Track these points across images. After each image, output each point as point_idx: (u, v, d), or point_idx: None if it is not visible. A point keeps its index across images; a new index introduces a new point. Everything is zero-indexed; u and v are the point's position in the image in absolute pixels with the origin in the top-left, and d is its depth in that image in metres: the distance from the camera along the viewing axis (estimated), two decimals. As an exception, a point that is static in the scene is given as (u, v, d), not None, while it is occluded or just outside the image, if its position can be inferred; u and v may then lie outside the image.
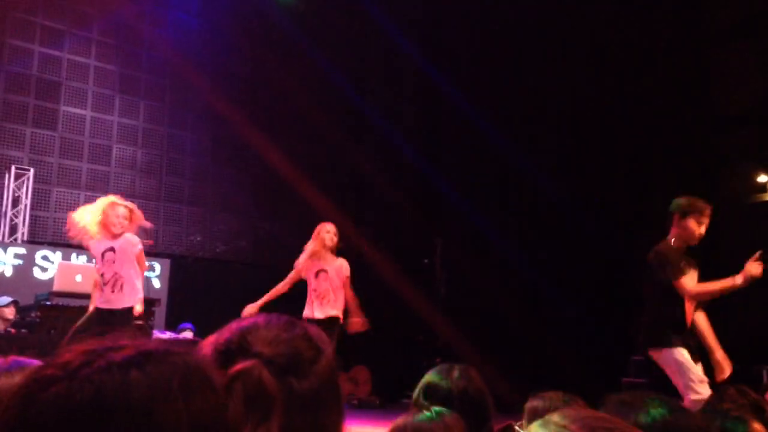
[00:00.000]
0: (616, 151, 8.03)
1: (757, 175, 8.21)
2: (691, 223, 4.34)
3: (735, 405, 2.02)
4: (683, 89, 7.75)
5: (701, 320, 4.33)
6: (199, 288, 9.22)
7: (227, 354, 0.89)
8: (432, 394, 2.19)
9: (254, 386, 0.84)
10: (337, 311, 5.46)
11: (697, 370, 4.04)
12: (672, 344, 4.12)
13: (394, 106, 10.45)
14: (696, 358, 4.13)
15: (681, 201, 4.38)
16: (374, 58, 10.97)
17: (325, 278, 5.53)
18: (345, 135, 10.30)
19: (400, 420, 1.84)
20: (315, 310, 5.45)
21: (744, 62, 7.66)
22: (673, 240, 4.40)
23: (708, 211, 4.40)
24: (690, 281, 4.23)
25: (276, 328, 0.93)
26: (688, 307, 4.24)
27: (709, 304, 6.84)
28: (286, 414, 0.84)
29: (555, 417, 0.97)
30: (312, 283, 5.56)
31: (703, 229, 4.38)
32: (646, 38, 7.98)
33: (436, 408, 1.87)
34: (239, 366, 0.86)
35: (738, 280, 4.14)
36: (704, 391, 3.95)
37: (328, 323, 5.30)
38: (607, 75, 8.04)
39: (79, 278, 6.26)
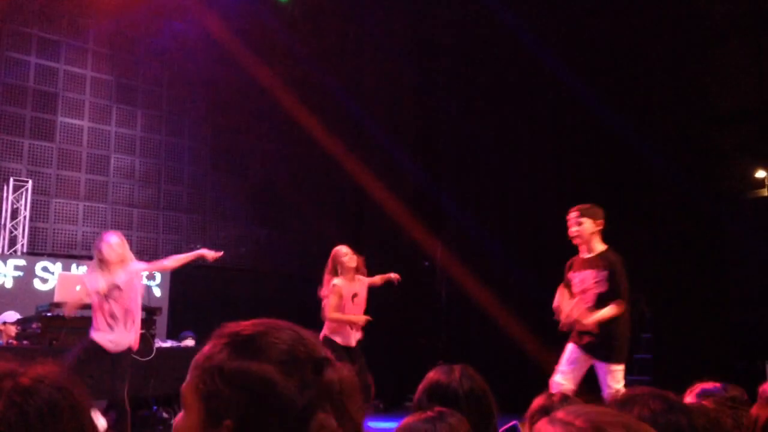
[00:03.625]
0: (613, 151, 8.04)
1: (755, 170, 8.22)
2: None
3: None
4: (680, 86, 7.76)
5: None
6: (200, 296, 9.21)
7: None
8: (437, 395, 2.19)
9: (209, 390, 0.92)
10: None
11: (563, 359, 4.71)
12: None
13: (393, 113, 10.45)
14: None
15: None
16: (373, 67, 10.98)
17: (358, 302, 5.54)
18: (343, 142, 10.30)
19: (405, 423, 1.84)
20: (350, 336, 5.42)
21: (740, 58, 7.68)
22: None
23: (567, 215, 4.94)
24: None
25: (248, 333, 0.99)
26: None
27: (714, 301, 6.84)
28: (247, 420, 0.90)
29: (560, 413, 0.98)
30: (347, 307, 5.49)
31: (572, 229, 4.92)
32: (641, 36, 8.00)
33: (440, 409, 1.86)
34: (197, 371, 0.96)
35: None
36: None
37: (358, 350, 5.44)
38: (602, 76, 8.05)
39: (79, 288, 6.26)
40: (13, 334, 6.35)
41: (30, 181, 8.92)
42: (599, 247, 4.93)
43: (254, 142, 10.69)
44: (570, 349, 4.73)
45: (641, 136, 7.62)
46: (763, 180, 8.10)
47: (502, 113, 9.09)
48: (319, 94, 10.43)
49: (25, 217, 8.84)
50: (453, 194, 9.21)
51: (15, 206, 8.82)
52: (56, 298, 6.15)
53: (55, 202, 9.27)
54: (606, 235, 7.98)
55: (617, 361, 4.63)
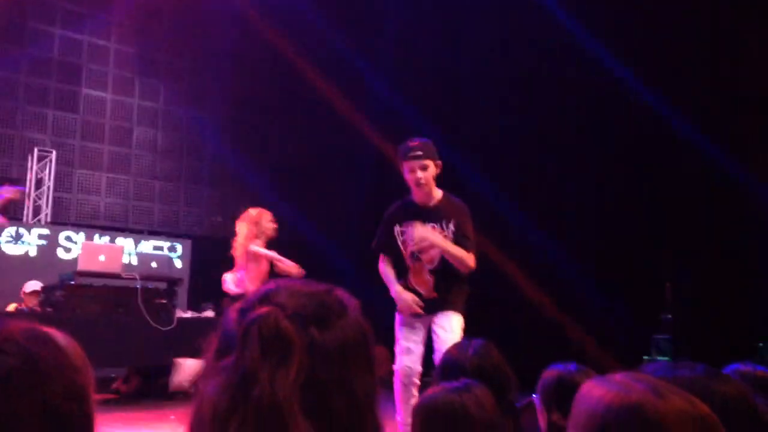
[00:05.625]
0: (641, 128, 7.91)
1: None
2: (404, 172, 3.83)
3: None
4: (710, 69, 7.59)
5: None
6: (220, 268, 9.27)
7: (250, 309, 0.88)
8: (448, 371, 2.20)
9: (271, 330, 0.82)
10: None
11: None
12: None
13: (417, 86, 10.35)
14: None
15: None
16: (397, 40, 10.86)
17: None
18: (364, 117, 10.25)
19: (429, 394, 1.83)
20: None
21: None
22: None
23: (408, 153, 3.76)
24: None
25: (299, 284, 0.92)
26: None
27: (735, 282, 6.76)
28: (308, 363, 0.82)
29: (618, 377, 0.99)
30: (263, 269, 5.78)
31: (418, 174, 3.75)
32: (668, 20, 7.80)
33: (466, 380, 1.86)
34: (256, 311, 0.84)
35: None
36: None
37: None
38: (627, 55, 7.87)
39: (102, 258, 6.34)
40: (34, 302, 6.46)
41: (54, 152, 9.02)
42: (438, 193, 3.91)
43: (277, 116, 10.69)
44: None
45: (675, 114, 7.47)
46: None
47: (529, 85, 8.94)
48: (343, 68, 10.37)
49: (48, 187, 8.95)
50: (475, 167, 9.11)
51: (39, 176, 8.93)
52: (80, 267, 6.24)
53: (79, 173, 9.37)
54: (627, 214, 7.90)
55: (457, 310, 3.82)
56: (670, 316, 6.09)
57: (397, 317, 3.93)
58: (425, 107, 9.62)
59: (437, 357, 3.45)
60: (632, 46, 7.85)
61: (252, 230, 5.80)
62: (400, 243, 3.90)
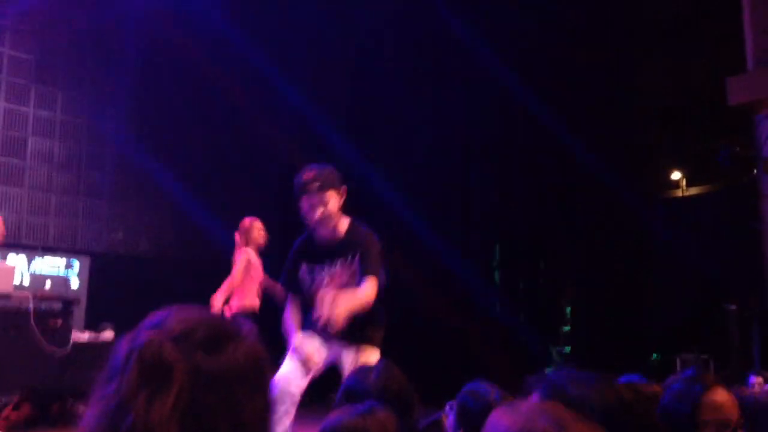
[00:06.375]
0: (539, 143, 8.20)
1: (672, 171, 8.57)
2: (302, 209, 3.55)
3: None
4: (603, 84, 7.97)
5: None
6: (121, 286, 8.93)
7: (137, 335, 0.87)
8: (351, 395, 2.21)
9: (151, 357, 0.82)
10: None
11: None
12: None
13: (322, 92, 10.30)
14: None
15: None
16: (300, 44, 10.80)
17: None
18: (274, 125, 10.12)
19: (333, 417, 1.82)
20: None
21: (664, 60, 7.95)
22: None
23: (305, 187, 3.44)
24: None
25: (189, 310, 0.92)
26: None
27: (631, 298, 7.10)
28: (191, 389, 0.81)
29: (524, 407, 1.03)
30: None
31: (317, 212, 3.43)
32: (566, 33, 8.15)
33: (371, 403, 1.86)
34: (140, 337, 0.84)
35: None
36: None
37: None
38: (528, 71, 8.16)
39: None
40: None
41: (-61, 163, 8.45)
42: (344, 224, 3.56)
43: (184, 126, 10.40)
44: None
45: (569, 130, 7.79)
46: (678, 181, 8.47)
47: (433, 93, 9.10)
48: (249, 74, 10.17)
49: (-68, 200, 8.36)
50: (380, 175, 9.15)
51: None
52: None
53: (-34, 186, 8.81)
54: (524, 228, 8.18)
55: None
56: (568, 327, 6.34)
57: (302, 332, 3.59)
58: (331, 110, 9.62)
59: None
60: (530, 67, 8.15)
61: (243, 239, 6.06)
62: (307, 283, 3.58)
